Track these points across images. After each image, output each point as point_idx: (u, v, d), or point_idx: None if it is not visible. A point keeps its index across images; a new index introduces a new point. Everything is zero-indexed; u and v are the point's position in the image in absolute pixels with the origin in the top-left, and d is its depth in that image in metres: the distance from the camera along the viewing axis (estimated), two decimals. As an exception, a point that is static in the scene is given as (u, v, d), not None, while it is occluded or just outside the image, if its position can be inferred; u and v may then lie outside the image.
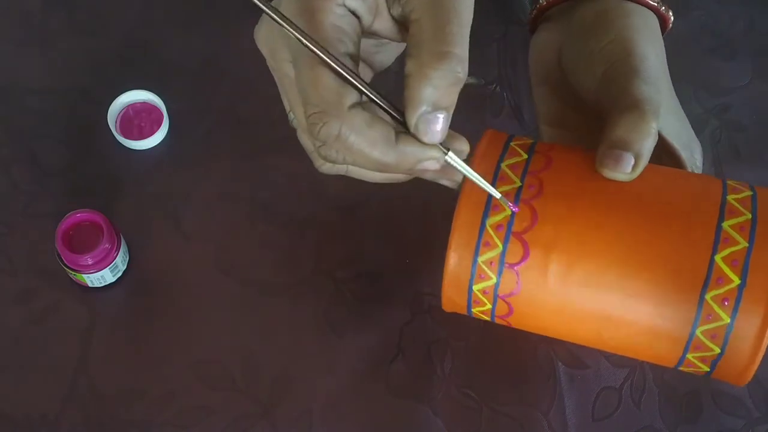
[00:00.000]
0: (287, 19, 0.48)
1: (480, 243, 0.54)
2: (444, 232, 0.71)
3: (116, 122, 0.73)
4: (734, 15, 0.80)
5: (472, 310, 0.58)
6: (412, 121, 0.48)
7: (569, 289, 0.54)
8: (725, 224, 0.52)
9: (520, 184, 0.54)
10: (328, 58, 0.47)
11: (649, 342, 0.54)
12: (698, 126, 0.74)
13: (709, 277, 0.51)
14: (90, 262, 0.65)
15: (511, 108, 0.75)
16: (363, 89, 0.49)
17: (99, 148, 0.72)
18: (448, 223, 0.72)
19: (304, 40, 0.47)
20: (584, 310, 0.54)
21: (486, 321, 0.68)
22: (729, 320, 0.51)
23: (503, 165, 0.55)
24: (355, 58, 0.50)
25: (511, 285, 0.55)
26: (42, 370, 0.65)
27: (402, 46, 0.57)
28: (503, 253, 0.54)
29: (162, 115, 0.72)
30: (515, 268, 0.54)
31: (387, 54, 0.57)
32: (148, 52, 0.76)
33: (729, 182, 0.56)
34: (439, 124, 0.48)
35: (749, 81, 0.77)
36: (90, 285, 0.67)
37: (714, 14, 0.80)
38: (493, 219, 0.54)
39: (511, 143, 0.56)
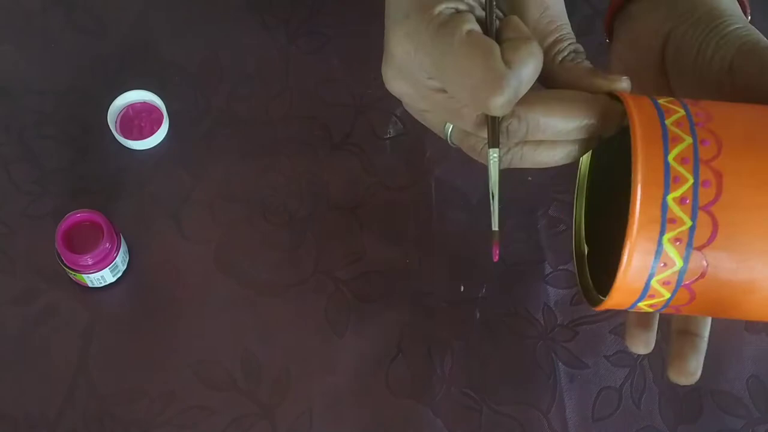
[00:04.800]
0: None
1: (665, 224, 0.46)
2: (443, 232, 0.71)
3: (116, 122, 0.73)
4: (734, 15, 0.80)
5: (641, 304, 0.50)
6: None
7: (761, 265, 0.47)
8: None
9: (692, 181, 0.46)
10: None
11: None
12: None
13: None
14: (90, 262, 0.65)
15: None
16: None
17: (99, 148, 0.72)
18: (447, 223, 0.72)
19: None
20: None
21: (488, 320, 0.68)
22: None
23: (670, 158, 0.47)
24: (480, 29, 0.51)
25: (696, 270, 0.47)
26: (42, 370, 0.65)
27: None
28: (691, 233, 0.46)
29: (162, 115, 0.72)
30: (702, 251, 0.46)
31: None
32: (148, 52, 0.76)
33: None
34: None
35: (749, 81, 0.77)
36: (90, 285, 0.67)
37: (714, 14, 0.80)
38: (675, 193, 0.46)
39: (667, 123, 0.48)
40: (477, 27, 0.50)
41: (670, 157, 0.46)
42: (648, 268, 0.46)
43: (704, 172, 0.46)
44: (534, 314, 0.68)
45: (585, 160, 0.55)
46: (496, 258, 0.51)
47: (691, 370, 0.57)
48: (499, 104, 0.48)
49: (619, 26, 0.62)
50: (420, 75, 0.51)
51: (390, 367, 0.67)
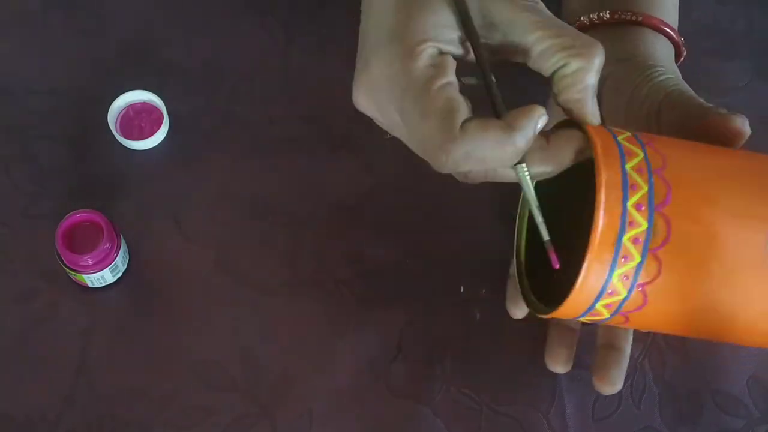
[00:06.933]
0: None
1: (617, 258, 0.51)
2: (443, 232, 0.71)
3: (116, 122, 0.73)
4: (734, 15, 0.80)
5: (586, 317, 0.55)
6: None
7: (707, 296, 0.52)
8: None
9: (647, 188, 0.51)
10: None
11: None
12: (698, 126, 0.74)
13: None
14: (90, 262, 0.65)
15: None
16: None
17: (99, 148, 0.72)
18: (447, 223, 0.72)
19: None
20: (718, 312, 0.53)
21: (488, 320, 0.68)
22: None
23: (628, 168, 0.51)
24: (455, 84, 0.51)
25: (635, 304, 0.53)
26: (42, 370, 0.65)
27: None
28: (639, 268, 0.51)
29: (162, 115, 0.72)
30: (645, 287, 0.52)
31: None
32: (148, 52, 0.76)
33: None
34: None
35: (749, 81, 0.77)
36: (90, 285, 0.67)
37: (714, 14, 0.80)
38: (630, 233, 0.51)
39: (620, 139, 0.53)
40: (453, 79, 0.50)
41: (629, 204, 0.50)
42: (597, 293, 0.51)
43: (657, 217, 0.50)
44: (534, 315, 0.68)
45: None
46: (556, 265, 0.52)
47: (612, 380, 0.63)
48: (441, 164, 0.50)
49: None
50: (388, 103, 0.52)
51: (390, 367, 0.67)
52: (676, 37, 0.68)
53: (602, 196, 0.50)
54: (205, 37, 0.77)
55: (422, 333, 0.68)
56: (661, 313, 0.53)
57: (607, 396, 0.66)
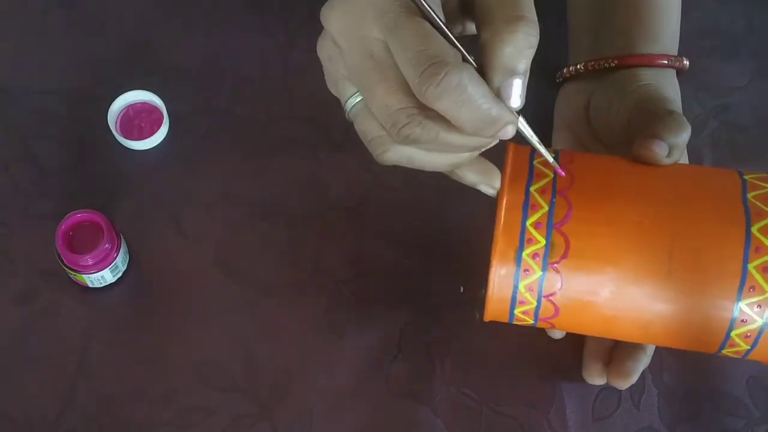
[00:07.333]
0: None
1: (519, 271, 0.56)
2: (443, 232, 0.71)
3: (116, 122, 0.73)
4: (734, 15, 0.80)
5: (517, 322, 0.59)
6: (495, 86, 0.48)
7: (609, 304, 0.56)
8: (754, 229, 0.54)
9: (547, 209, 0.55)
10: (440, 20, 0.48)
11: (685, 341, 0.57)
12: (698, 127, 0.74)
13: (743, 285, 0.54)
14: (90, 262, 0.65)
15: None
16: (462, 50, 0.49)
17: (99, 148, 0.72)
18: (447, 223, 0.72)
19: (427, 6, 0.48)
20: (622, 317, 0.56)
21: (487, 321, 0.68)
22: (762, 322, 0.54)
23: (532, 189, 0.56)
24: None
25: (549, 312, 0.57)
26: (42, 370, 0.65)
27: None
28: (541, 280, 0.55)
29: (162, 115, 0.72)
30: (552, 297, 0.56)
31: None
32: (148, 52, 0.76)
33: (747, 177, 0.57)
34: (521, 88, 0.49)
35: (749, 81, 0.77)
36: (90, 285, 0.67)
37: (714, 14, 0.80)
38: (529, 249, 0.55)
39: (535, 162, 0.57)
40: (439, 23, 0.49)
41: (528, 223, 0.55)
42: (512, 275, 0.56)
43: (556, 236, 0.55)
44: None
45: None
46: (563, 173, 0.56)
47: (625, 371, 0.63)
48: (420, 93, 0.46)
49: (563, 88, 0.73)
50: (360, 29, 0.49)
51: (390, 367, 0.67)
52: (667, 64, 0.68)
53: (502, 217, 0.55)
54: (205, 37, 0.77)
55: (422, 333, 0.68)
56: (575, 321, 0.57)
57: (607, 396, 0.66)
